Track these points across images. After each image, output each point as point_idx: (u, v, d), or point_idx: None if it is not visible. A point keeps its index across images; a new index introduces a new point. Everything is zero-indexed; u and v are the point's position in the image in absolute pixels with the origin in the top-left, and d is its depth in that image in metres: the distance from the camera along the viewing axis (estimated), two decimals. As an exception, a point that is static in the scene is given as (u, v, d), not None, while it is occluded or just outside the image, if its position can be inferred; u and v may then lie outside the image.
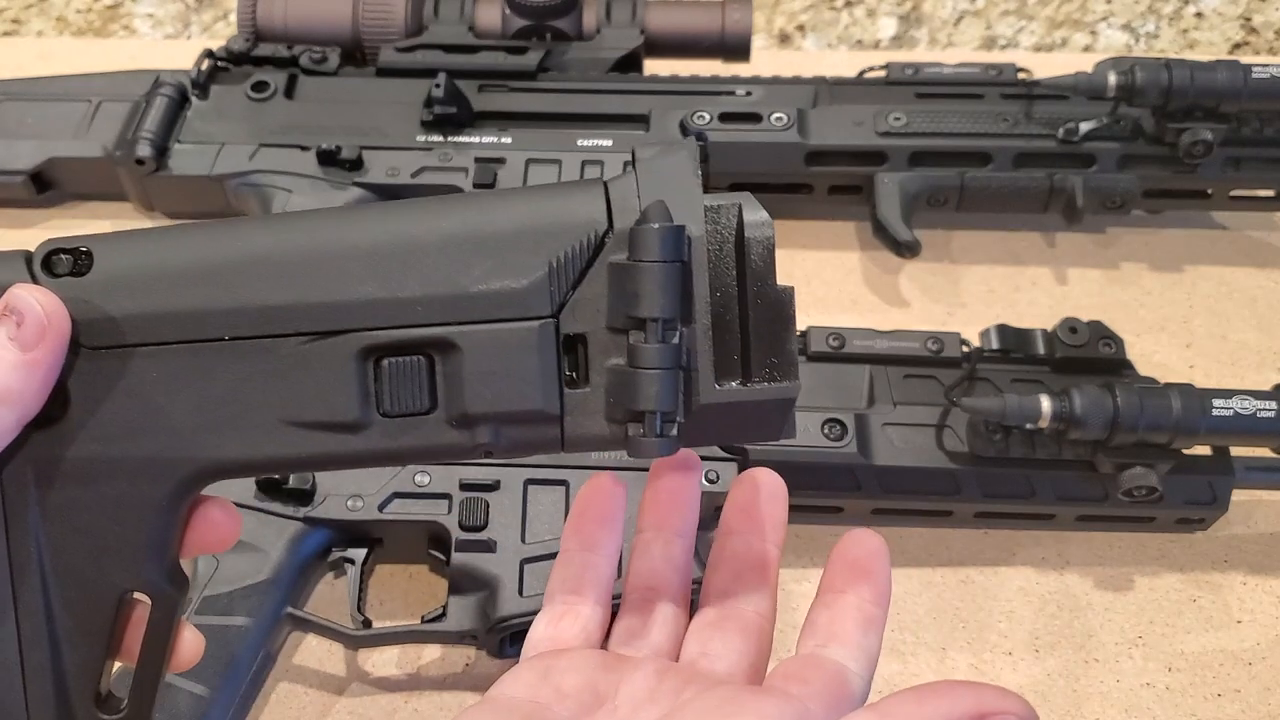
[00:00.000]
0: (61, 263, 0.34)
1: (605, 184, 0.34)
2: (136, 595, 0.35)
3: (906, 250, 0.73)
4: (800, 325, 0.51)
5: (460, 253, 0.34)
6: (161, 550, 0.35)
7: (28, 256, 0.34)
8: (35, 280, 0.34)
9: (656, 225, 0.33)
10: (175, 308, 0.34)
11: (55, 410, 0.34)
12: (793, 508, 0.64)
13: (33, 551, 0.34)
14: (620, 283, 0.33)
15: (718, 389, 0.33)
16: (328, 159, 0.74)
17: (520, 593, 0.57)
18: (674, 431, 0.33)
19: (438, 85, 0.74)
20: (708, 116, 0.75)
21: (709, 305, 0.33)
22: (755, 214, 0.34)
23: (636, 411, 0.33)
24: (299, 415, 0.34)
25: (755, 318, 0.34)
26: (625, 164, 0.35)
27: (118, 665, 0.37)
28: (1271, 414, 0.58)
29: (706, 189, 0.85)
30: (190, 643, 0.37)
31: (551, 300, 0.34)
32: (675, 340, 0.33)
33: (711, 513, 0.63)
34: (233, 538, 0.37)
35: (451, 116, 0.75)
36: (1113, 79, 0.71)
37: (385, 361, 0.34)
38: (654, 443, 0.33)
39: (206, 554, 0.38)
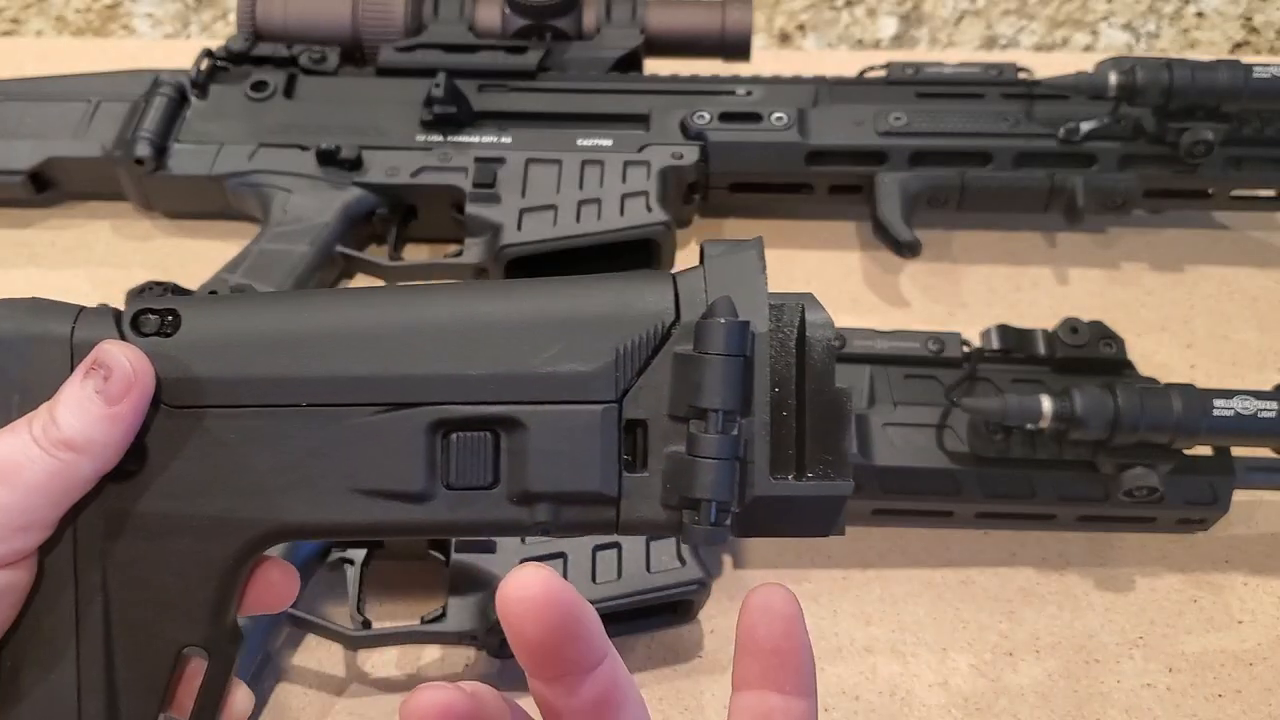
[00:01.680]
0: (149, 323, 0.35)
1: (674, 277, 0.36)
2: (194, 651, 0.36)
3: (907, 250, 0.73)
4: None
5: (530, 334, 0.35)
6: (223, 609, 0.36)
7: (117, 315, 0.35)
8: (123, 338, 0.35)
9: (723, 320, 0.33)
10: (256, 373, 0.35)
11: (132, 464, 0.35)
12: (793, 508, 0.64)
13: (98, 602, 0.35)
14: (684, 373, 0.34)
15: (773, 482, 0.34)
16: (327, 159, 0.74)
17: (520, 593, 0.57)
18: (728, 521, 0.34)
19: (437, 85, 0.74)
20: (708, 116, 0.75)
21: (769, 400, 0.34)
22: (817, 314, 0.35)
23: (692, 499, 0.34)
24: (367, 483, 0.35)
25: (812, 415, 0.35)
26: (699, 258, 0.36)
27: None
28: (1272, 414, 0.58)
29: (706, 189, 0.86)
30: (241, 700, 0.38)
31: (616, 385, 0.35)
32: (734, 432, 0.34)
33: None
34: (290, 598, 0.38)
35: (451, 116, 0.75)
36: (1114, 79, 0.71)
37: (453, 436, 0.35)
38: (708, 531, 0.34)
39: (263, 614, 0.38)
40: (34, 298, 0.36)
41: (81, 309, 0.35)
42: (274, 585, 0.37)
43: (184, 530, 0.35)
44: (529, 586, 0.31)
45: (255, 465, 0.35)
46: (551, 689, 0.34)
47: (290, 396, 0.35)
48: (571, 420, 0.34)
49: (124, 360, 0.33)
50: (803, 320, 0.35)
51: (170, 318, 0.35)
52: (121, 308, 0.36)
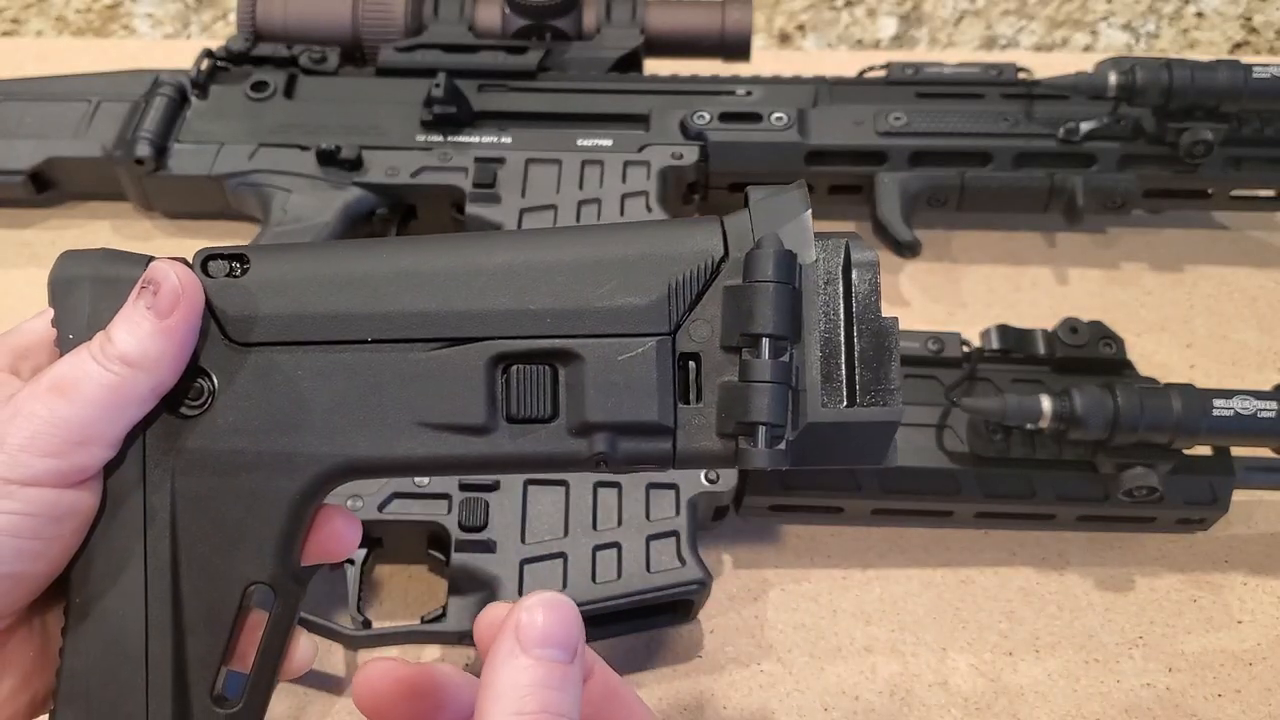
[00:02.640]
0: (219, 266, 0.36)
1: (722, 219, 0.37)
2: (259, 592, 0.36)
3: (907, 250, 0.73)
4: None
5: (587, 272, 0.36)
6: (289, 546, 0.36)
7: (187, 262, 0.36)
8: None
9: (770, 249, 0.35)
10: (322, 310, 0.36)
11: (201, 399, 0.36)
12: (793, 508, 0.64)
13: (167, 537, 0.36)
14: (735, 303, 0.35)
15: (824, 409, 0.35)
16: (327, 159, 0.74)
17: (520, 593, 0.57)
18: (782, 445, 0.35)
19: (437, 85, 0.74)
20: (708, 116, 0.75)
21: (817, 329, 0.35)
22: (862, 253, 0.36)
23: (747, 424, 0.34)
24: (430, 417, 0.36)
25: (861, 345, 0.35)
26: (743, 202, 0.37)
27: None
28: (1272, 414, 0.58)
29: (706, 189, 0.85)
30: (305, 649, 0.38)
31: (670, 319, 0.36)
32: (785, 358, 0.35)
33: (710, 514, 0.63)
34: (352, 547, 0.39)
35: (451, 116, 0.75)
36: (1113, 79, 0.71)
37: (514, 369, 0.36)
38: (764, 454, 0.34)
39: (326, 562, 0.38)
40: (106, 248, 0.37)
41: (152, 257, 0.36)
42: (338, 533, 0.38)
43: (253, 466, 0.36)
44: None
45: (322, 401, 0.36)
46: None
47: (355, 332, 0.36)
48: (627, 352, 0.35)
49: (171, 275, 0.34)
50: (848, 255, 0.36)
51: (237, 262, 0.36)
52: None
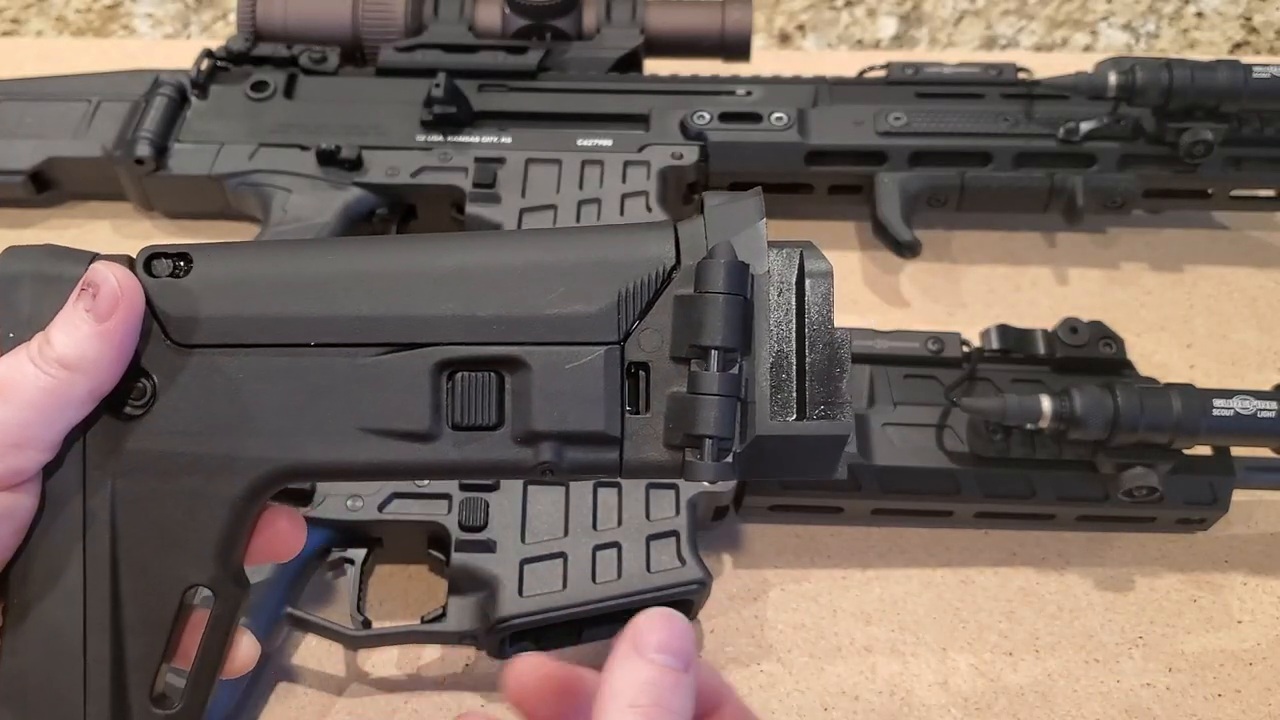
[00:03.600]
0: (162, 266, 0.36)
1: (675, 225, 0.36)
2: (200, 593, 0.36)
3: (907, 250, 0.73)
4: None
5: (536, 278, 0.35)
6: (229, 548, 0.36)
7: (130, 260, 0.36)
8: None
9: (722, 260, 0.34)
10: (265, 312, 0.35)
11: (141, 402, 0.35)
12: (793, 508, 0.64)
13: (106, 539, 0.35)
14: (685, 313, 0.35)
15: (772, 421, 0.35)
16: (327, 159, 0.74)
17: (520, 593, 0.57)
18: (729, 459, 0.34)
19: (437, 85, 0.74)
20: (708, 116, 0.75)
21: (768, 341, 0.35)
22: (816, 263, 0.36)
23: (694, 436, 0.34)
24: (374, 423, 0.35)
25: (811, 357, 0.35)
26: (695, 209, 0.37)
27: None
28: (1272, 414, 0.58)
29: (706, 189, 0.86)
30: (247, 649, 0.38)
31: (618, 327, 0.35)
32: (734, 371, 0.34)
33: (710, 514, 0.63)
34: (296, 547, 0.38)
35: (451, 116, 0.75)
36: (1113, 79, 0.71)
37: (459, 376, 0.35)
38: (710, 467, 0.34)
39: (269, 563, 0.38)
40: (50, 244, 0.36)
41: (96, 255, 0.36)
42: (281, 533, 0.38)
43: (193, 469, 0.35)
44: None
45: (264, 404, 0.35)
46: None
47: (299, 336, 0.35)
48: (574, 360, 0.35)
49: (110, 278, 0.34)
50: (802, 265, 0.35)
51: (182, 262, 0.36)
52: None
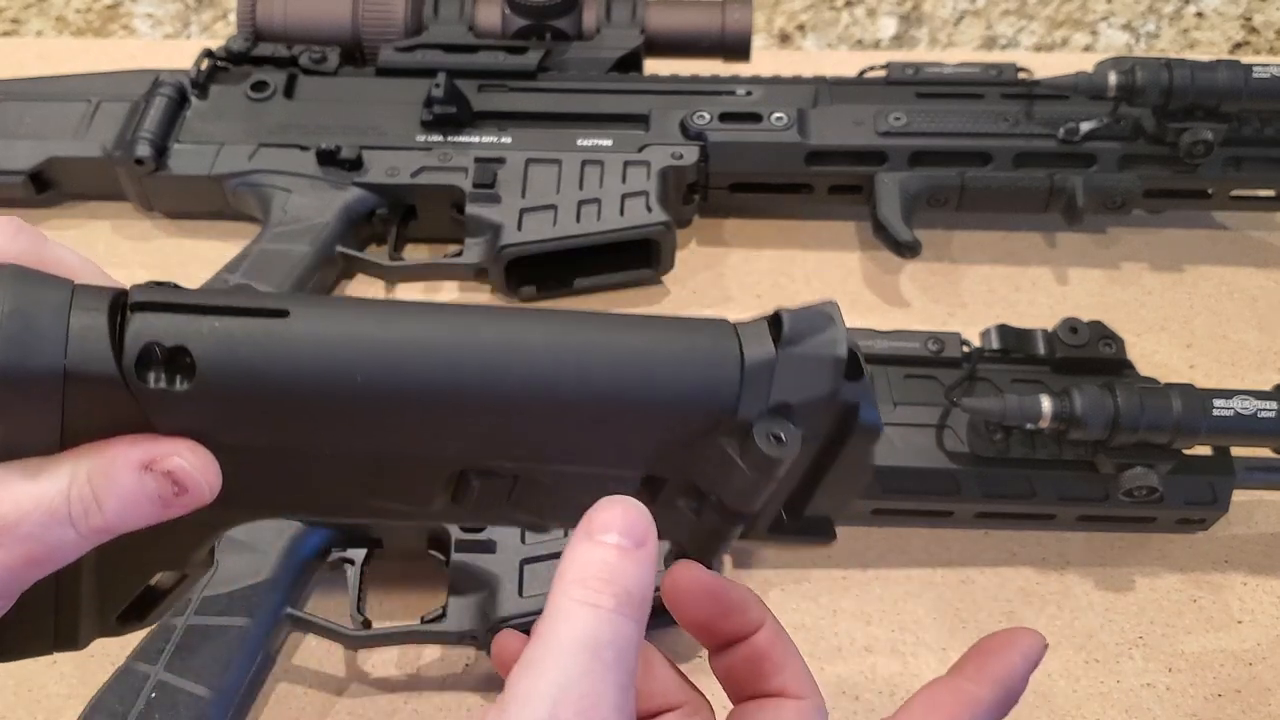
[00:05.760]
0: (154, 374, 0.31)
1: (743, 364, 0.33)
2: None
3: (907, 250, 0.73)
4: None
5: (587, 424, 0.34)
6: (203, 554, 0.37)
7: (126, 302, 0.31)
8: (121, 374, 0.30)
9: (775, 456, 0.33)
10: (275, 441, 0.33)
11: None
12: (793, 508, 0.64)
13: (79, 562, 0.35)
14: (722, 467, 0.34)
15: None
16: (327, 159, 0.74)
17: (520, 593, 0.57)
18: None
19: (437, 85, 0.74)
20: (708, 116, 0.75)
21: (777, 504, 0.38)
22: (869, 413, 0.36)
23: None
24: (381, 498, 0.36)
25: (821, 491, 0.38)
26: (770, 321, 0.35)
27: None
28: (1272, 414, 0.58)
29: (706, 189, 0.85)
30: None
31: (648, 466, 0.36)
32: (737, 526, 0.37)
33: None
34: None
35: (451, 116, 0.75)
36: (1113, 79, 0.71)
37: (474, 480, 0.35)
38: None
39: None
40: (16, 266, 0.30)
41: (73, 284, 0.30)
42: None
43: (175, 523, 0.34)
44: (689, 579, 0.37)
45: (264, 479, 0.34)
46: (717, 658, 0.39)
47: (313, 450, 0.33)
48: (592, 480, 0.35)
49: (204, 487, 0.32)
50: (852, 415, 0.35)
51: (183, 367, 0.30)
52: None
